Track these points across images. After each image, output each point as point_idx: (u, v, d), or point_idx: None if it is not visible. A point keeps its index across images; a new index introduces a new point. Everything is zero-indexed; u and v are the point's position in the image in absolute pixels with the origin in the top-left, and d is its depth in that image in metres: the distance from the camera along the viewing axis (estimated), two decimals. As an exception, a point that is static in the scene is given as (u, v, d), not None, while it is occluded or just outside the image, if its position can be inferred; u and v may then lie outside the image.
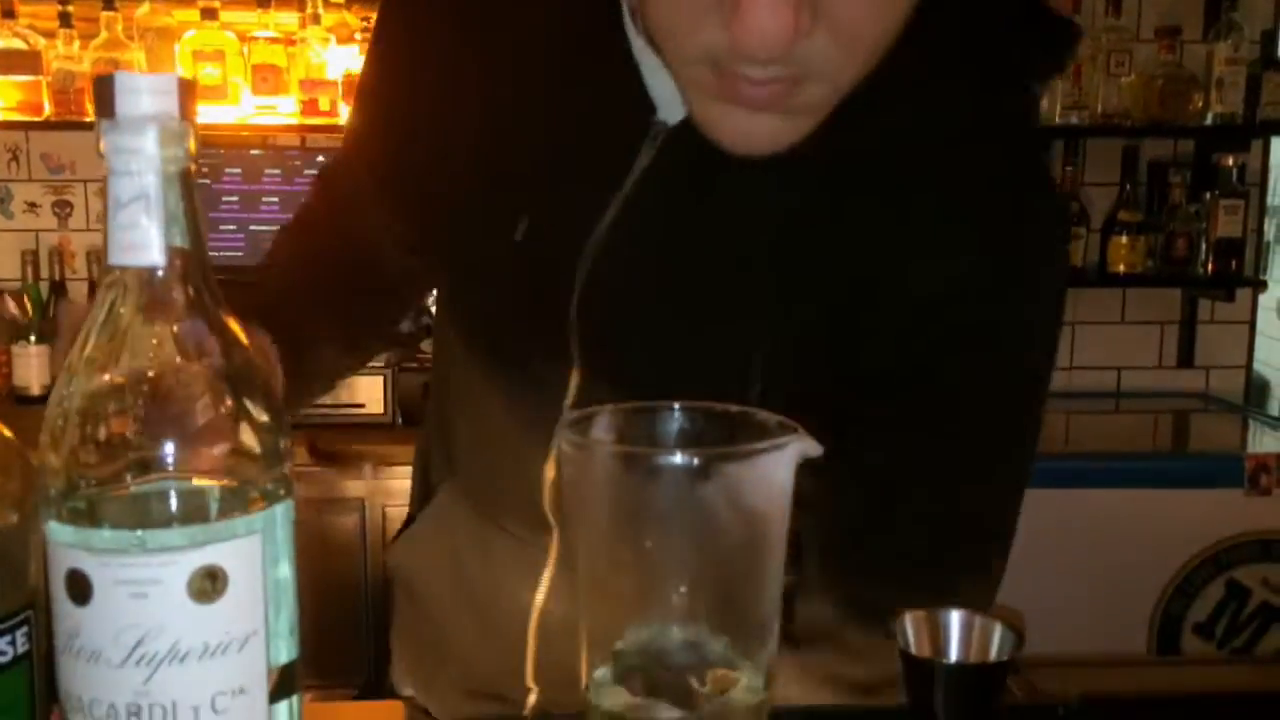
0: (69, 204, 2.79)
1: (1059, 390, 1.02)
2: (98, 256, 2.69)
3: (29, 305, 2.59)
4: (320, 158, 2.61)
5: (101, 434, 0.46)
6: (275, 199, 2.61)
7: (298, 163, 2.63)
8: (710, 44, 0.64)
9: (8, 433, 0.49)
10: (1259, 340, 3.01)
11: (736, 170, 0.71)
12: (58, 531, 0.46)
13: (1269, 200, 2.97)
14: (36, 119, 2.55)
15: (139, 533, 0.44)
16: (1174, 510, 2.38)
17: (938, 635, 0.57)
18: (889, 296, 0.76)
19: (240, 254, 2.57)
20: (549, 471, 0.84)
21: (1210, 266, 2.79)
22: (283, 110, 2.58)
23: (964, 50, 0.75)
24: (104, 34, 2.51)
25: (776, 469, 0.51)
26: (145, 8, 2.55)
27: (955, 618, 0.58)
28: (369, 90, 0.92)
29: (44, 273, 2.69)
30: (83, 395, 0.46)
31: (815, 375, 0.77)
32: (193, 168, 0.46)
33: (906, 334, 0.77)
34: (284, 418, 0.49)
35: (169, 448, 0.46)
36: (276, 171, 2.62)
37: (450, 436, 0.97)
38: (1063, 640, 2.10)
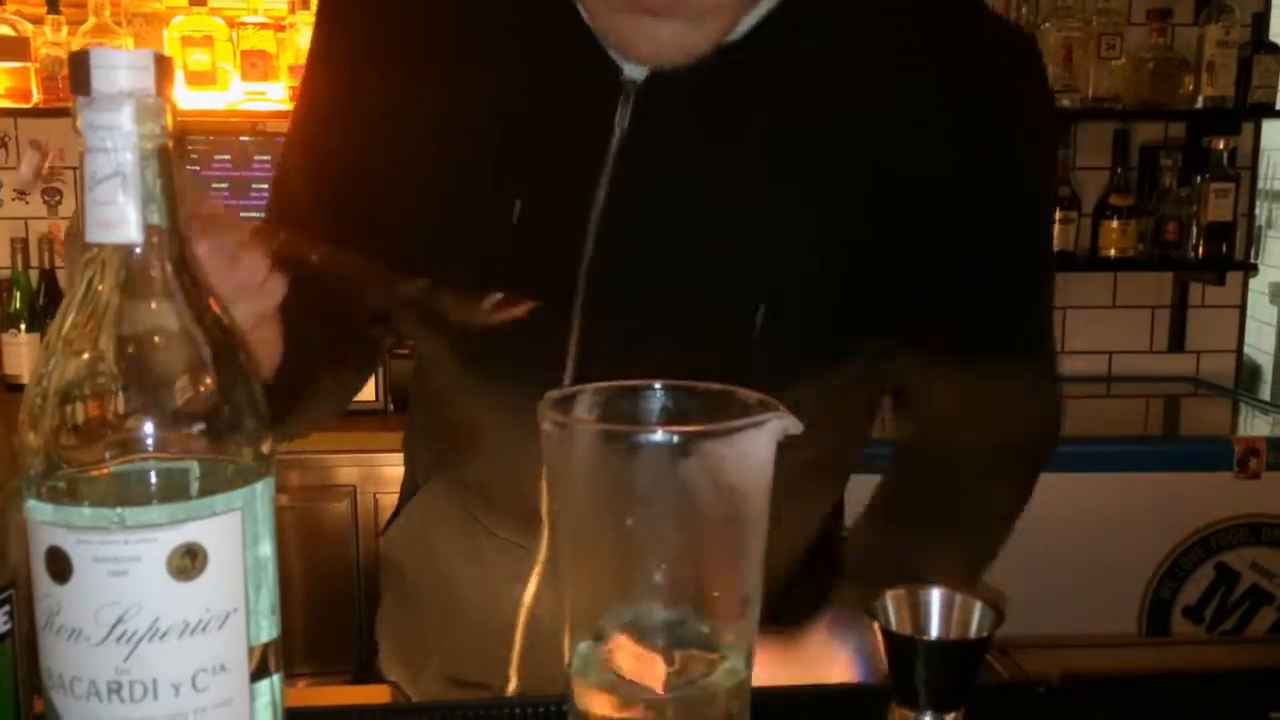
0: (58, 191, 2.78)
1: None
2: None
3: (19, 293, 2.59)
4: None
5: (80, 413, 0.46)
6: (265, 185, 2.60)
7: (288, 149, 2.61)
8: None
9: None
10: (1249, 324, 3.02)
11: (716, 104, 0.75)
12: (37, 509, 0.46)
13: (1260, 184, 2.97)
14: (25, 106, 2.54)
15: (118, 510, 0.45)
16: (1164, 494, 2.39)
17: (919, 612, 0.58)
18: (891, 188, 0.78)
19: (230, 241, 2.56)
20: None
21: (1201, 250, 2.79)
22: (272, 96, 2.56)
23: None
24: (92, 20, 2.49)
25: (756, 446, 0.51)
26: (133, -7, 2.54)
27: (936, 595, 0.58)
28: (310, 108, 0.89)
29: (34, 261, 2.67)
30: (61, 374, 0.46)
31: (824, 290, 0.79)
32: (170, 145, 0.46)
33: (912, 222, 0.79)
34: (263, 395, 0.49)
35: (148, 426, 0.46)
36: (266, 158, 2.60)
37: (435, 438, 0.96)
38: (1052, 624, 2.10)
